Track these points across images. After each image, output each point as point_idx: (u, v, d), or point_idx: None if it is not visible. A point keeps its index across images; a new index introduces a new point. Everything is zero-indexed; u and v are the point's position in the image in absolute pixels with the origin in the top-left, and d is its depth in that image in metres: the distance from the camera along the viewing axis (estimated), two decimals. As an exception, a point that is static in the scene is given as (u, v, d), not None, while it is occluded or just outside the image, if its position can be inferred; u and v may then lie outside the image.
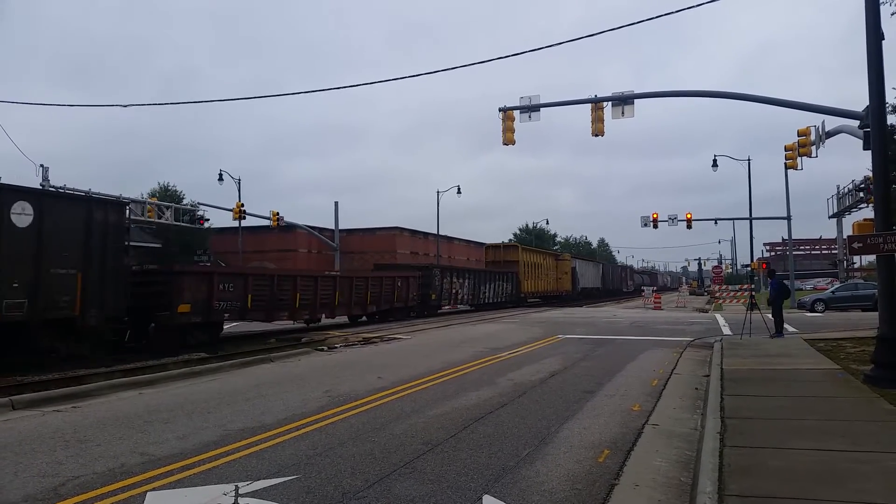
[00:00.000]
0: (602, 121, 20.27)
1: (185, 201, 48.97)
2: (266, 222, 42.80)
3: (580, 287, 60.48)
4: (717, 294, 49.02)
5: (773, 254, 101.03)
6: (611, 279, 76.67)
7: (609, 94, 20.41)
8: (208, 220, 48.26)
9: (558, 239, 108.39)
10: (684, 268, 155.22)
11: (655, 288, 65.83)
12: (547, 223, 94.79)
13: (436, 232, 57.42)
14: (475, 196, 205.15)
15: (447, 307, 37.83)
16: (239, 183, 43.42)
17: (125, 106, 24.29)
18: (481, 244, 47.23)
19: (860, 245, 11.09)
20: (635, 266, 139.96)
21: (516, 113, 21.41)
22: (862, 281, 39.07)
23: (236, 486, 5.74)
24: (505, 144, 21.51)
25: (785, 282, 23.15)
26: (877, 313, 10.67)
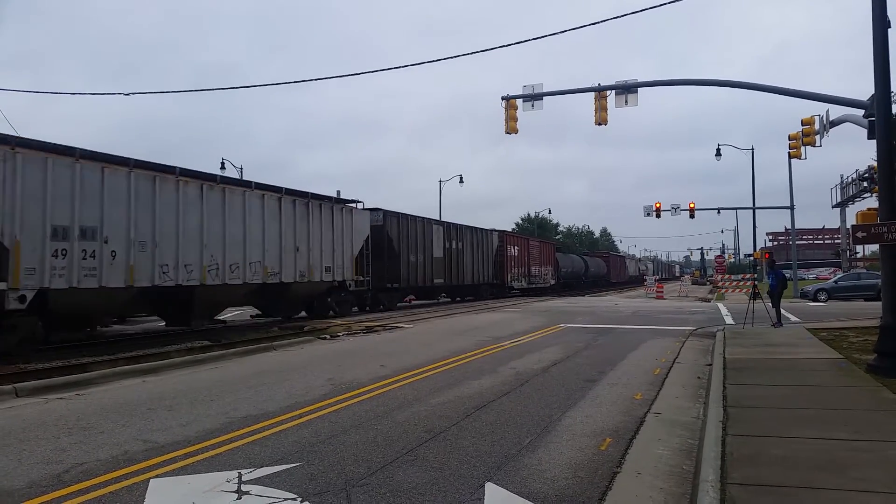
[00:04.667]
0: (605, 109, 20.17)
1: None
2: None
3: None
4: (720, 283, 48.97)
5: (776, 243, 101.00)
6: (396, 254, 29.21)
7: (612, 83, 20.32)
8: None
9: (561, 228, 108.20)
10: (686, 257, 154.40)
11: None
12: (549, 212, 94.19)
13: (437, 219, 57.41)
14: (490, 186, 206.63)
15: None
16: (241, 172, 43.35)
17: (127, 94, 24.25)
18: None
19: (864, 234, 11.04)
20: (636, 254, 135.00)
21: (519, 102, 21.33)
22: (865, 270, 38.99)
23: (240, 472, 5.76)
24: (508, 133, 21.43)
25: (786, 272, 23.13)
26: (880, 303, 10.64)
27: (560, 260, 56.03)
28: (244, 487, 5.41)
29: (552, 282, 51.82)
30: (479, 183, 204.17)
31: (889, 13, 10.56)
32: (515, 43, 19.89)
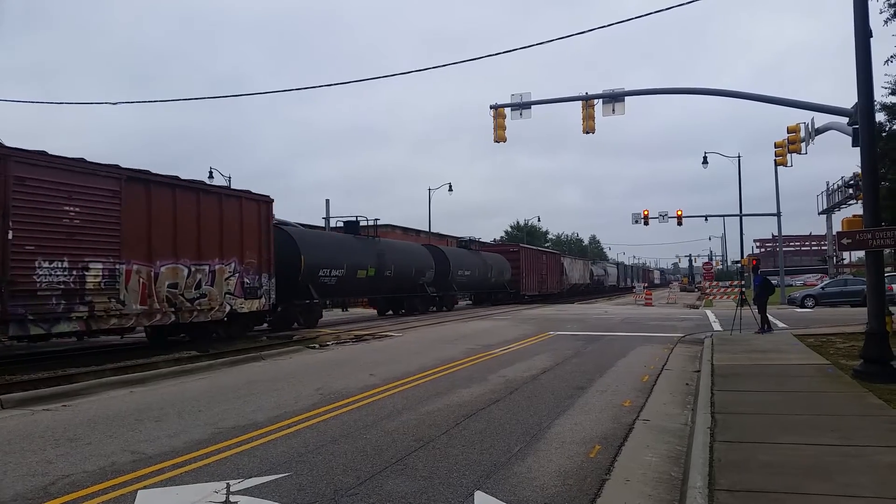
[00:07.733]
0: (593, 118, 20.33)
1: None
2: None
3: None
4: (708, 290, 49.22)
5: (763, 250, 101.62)
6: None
7: (600, 92, 20.46)
8: None
9: (550, 236, 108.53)
10: (675, 264, 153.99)
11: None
12: (539, 220, 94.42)
13: (427, 229, 57.58)
14: (488, 195, 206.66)
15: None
16: (229, 181, 43.27)
17: (114, 104, 24.32)
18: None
19: (849, 241, 11.16)
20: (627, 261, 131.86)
21: (507, 111, 21.43)
22: (851, 277, 39.28)
23: (228, 483, 5.73)
24: (496, 142, 21.53)
25: (770, 278, 23.31)
26: (866, 309, 10.74)
27: (304, 249, 22.83)
28: (232, 498, 5.38)
29: (260, 302, 19.38)
30: (477, 192, 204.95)
31: (871, 24, 10.72)
32: (505, 52, 20.25)
